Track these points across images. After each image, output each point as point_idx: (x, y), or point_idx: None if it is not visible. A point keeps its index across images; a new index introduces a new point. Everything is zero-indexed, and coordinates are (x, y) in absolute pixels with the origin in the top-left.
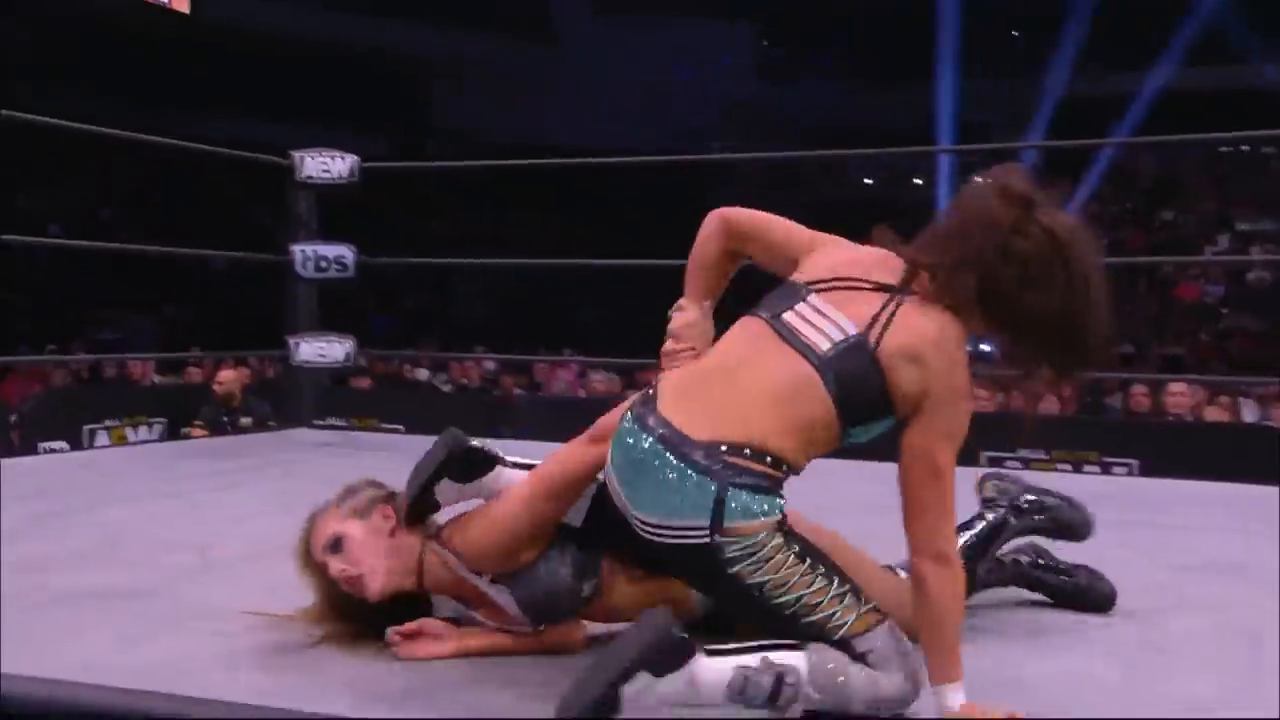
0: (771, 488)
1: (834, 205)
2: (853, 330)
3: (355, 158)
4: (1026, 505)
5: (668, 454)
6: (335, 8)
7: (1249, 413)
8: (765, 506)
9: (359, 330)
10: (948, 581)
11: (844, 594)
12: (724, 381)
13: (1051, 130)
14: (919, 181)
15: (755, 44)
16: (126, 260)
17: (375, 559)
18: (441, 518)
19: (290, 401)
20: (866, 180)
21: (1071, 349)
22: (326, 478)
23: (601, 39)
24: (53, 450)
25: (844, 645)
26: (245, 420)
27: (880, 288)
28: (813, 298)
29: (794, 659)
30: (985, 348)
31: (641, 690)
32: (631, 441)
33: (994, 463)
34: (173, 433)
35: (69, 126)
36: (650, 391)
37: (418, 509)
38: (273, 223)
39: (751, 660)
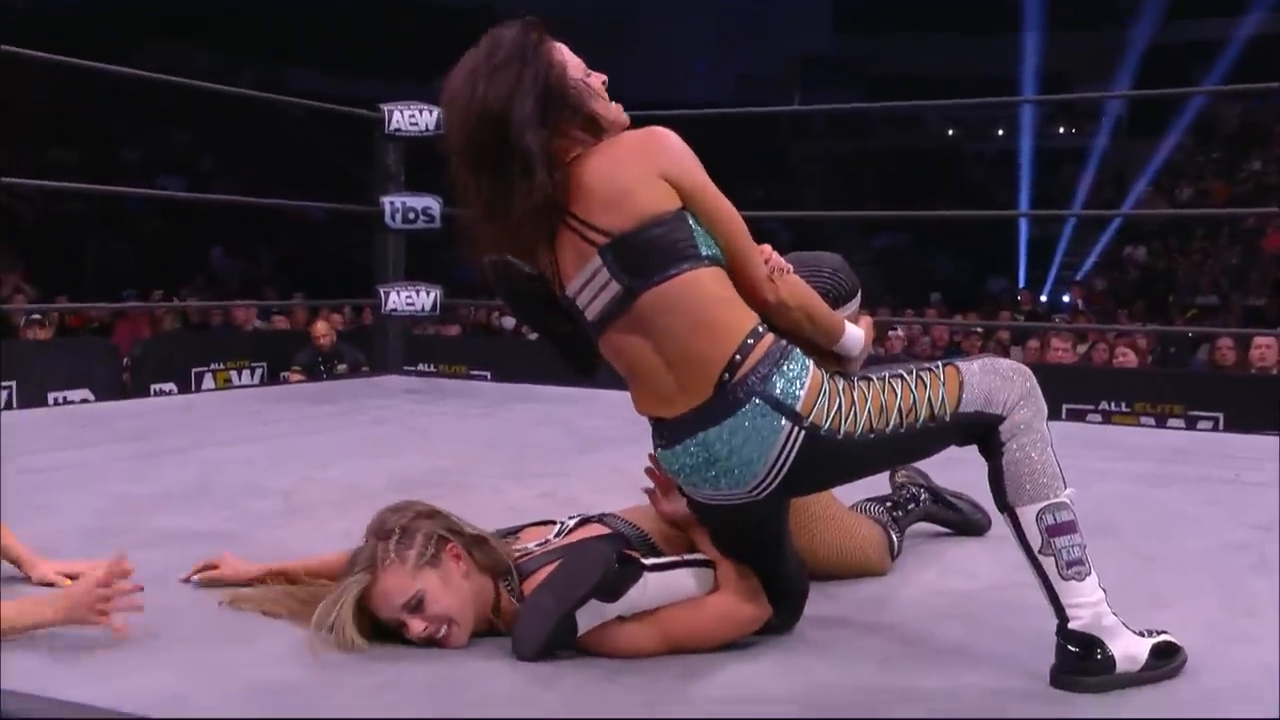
0: (779, 355)
1: (914, 154)
2: (591, 253)
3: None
4: (947, 503)
5: (704, 432)
6: None
7: None
8: (796, 367)
9: (444, 280)
10: (791, 286)
11: (915, 377)
12: (653, 365)
13: (1137, 80)
14: (1001, 132)
15: None
16: (230, 210)
17: (460, 609)
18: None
19: (381, 348)
20: (948, 132)
21: None
22: (411, 425)
23: None
24: (163, 392)
25: (966, 418)
26: (341, 367)
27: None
28: (570, 296)
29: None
30: (1065, 298)
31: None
32: (684, 463)
33: (1075, 415)
34: (272, 376)
35: (181, 83)
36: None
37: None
38: (366, 175)
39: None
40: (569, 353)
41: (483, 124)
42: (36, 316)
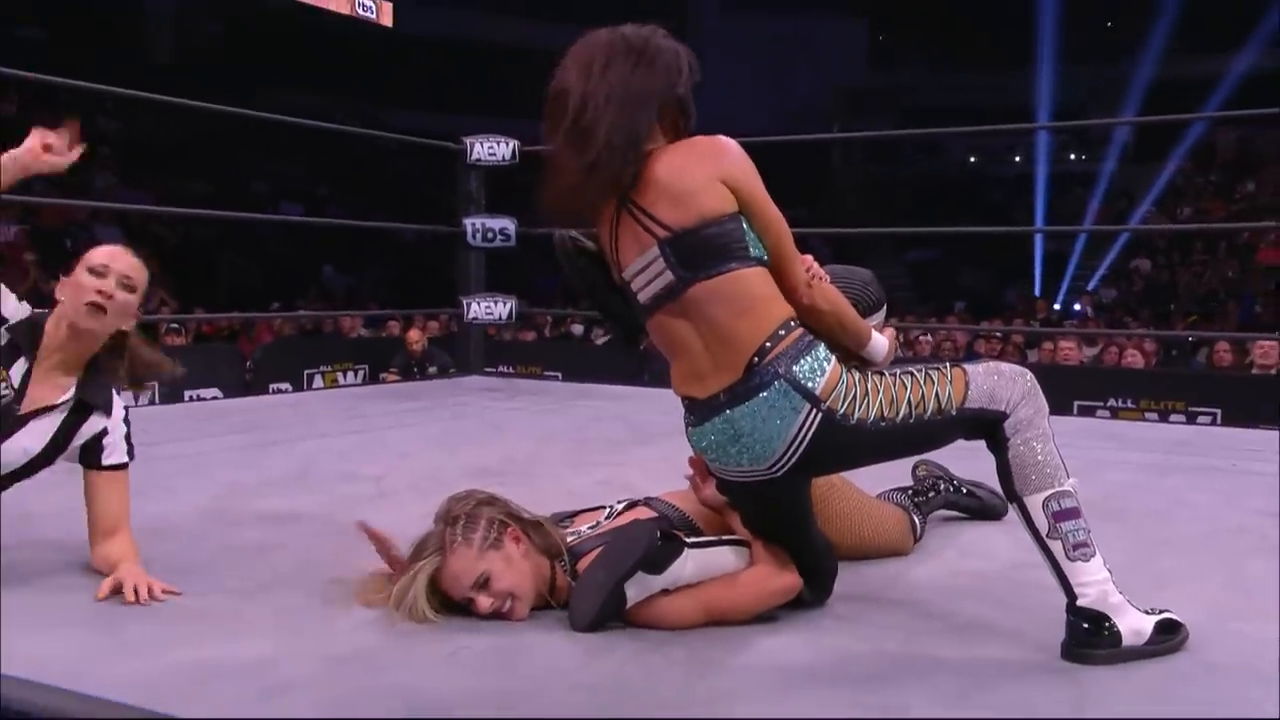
0: (805, 346)
1: (937, 179)
2: (651, 244)
3: (516, 141)
4: (966, 491)
5: (731, 410)
6: (506, 13)
7: None
8: (819, 357)
9: (526, 291)
10: (826, 292)
11: (924, 374)
12: (694, 346)
13: (1142, 112)
14: (1018, 159)
15: (868, 36)
16: (338, 232)
17: (521, 586)
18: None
19: (464, 352)
20: (971, 159)
21: None
22: (487, 420)
23: (728, 33)
24: (280, 391)
25: (971, 413)
26: (431, 369)
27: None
28: (626, 279)
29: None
30: (1076, 306)
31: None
32: (710, 440)
33: (1085, 411)
34: (372, 377)
35: (300, 123)
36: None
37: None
38: (451, 200)
39: None
40: (618, 326)
41: (629, 98)
42: (175, 325)
